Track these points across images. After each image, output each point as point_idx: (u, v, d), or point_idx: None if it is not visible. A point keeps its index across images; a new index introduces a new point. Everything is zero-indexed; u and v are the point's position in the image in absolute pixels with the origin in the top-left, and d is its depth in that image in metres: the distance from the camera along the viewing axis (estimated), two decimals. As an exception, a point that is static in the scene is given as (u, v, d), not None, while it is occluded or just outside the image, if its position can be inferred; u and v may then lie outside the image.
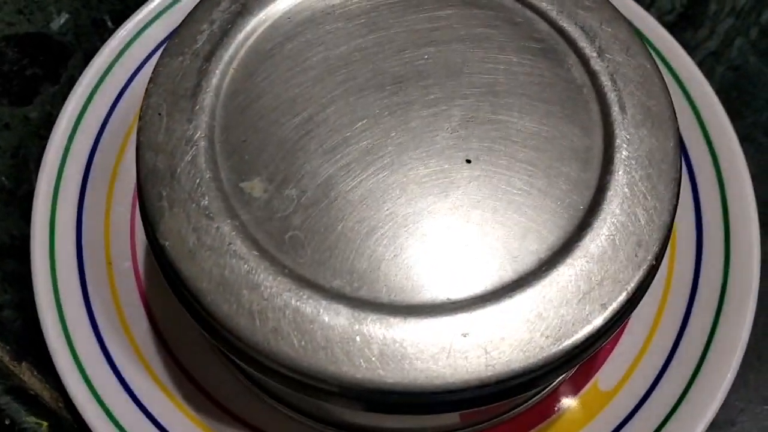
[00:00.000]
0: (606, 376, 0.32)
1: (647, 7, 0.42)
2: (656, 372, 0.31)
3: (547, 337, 0.22)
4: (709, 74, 0.40)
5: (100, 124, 0.36)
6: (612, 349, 0.32)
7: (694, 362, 0.31)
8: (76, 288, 0.33)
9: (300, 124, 0.25)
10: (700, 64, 0.40)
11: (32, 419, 0.32)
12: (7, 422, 0.32)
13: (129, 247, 0.34)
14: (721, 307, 0.32)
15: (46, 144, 0.35)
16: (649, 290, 0.32)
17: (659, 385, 0.31)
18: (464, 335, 0.22)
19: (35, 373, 0.34)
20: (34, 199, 0.34)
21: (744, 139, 0.37)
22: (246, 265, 0.23)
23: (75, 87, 0.36)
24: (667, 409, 0.30)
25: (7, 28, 0.43)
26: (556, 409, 0.31)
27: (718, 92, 0.37)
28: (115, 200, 0.35)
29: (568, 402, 0.31)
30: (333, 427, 0.31)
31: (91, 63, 0.37)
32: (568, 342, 0.22)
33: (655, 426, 0.30)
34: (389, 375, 0.21)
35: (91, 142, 0.36)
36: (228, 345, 0.23)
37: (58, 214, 0.34)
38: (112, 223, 0.35)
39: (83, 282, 0.33)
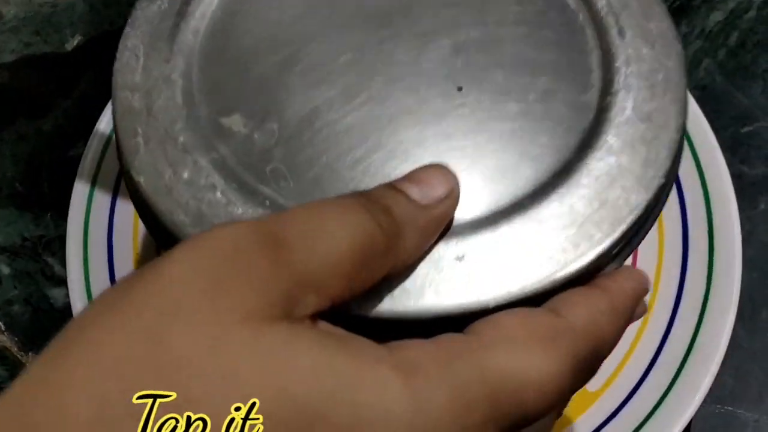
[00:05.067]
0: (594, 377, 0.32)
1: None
2: (640, 375, 0.32)
3: (550, 258, 0.20)
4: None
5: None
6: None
7: (674, 368, 0.31)
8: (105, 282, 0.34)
9: (281, 61, 0.24)
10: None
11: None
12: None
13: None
14: (703, 317, 0.32)
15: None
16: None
17: (642, 387, 0.32)
18: (459, 259, 0.20)
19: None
20: (71, 201, 0.36)
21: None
22: (224, 198, 0.22)
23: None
24: (647, 410, 0.31)
25: (26, 48, 0.45)
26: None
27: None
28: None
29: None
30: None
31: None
32: (573, 266, 0.20)
33: (635, 426, 0.31)
34: (382, 301, 0.20)
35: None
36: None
37: (92, 215, 0.36)
38: (140, 229, 0.36)
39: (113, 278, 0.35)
